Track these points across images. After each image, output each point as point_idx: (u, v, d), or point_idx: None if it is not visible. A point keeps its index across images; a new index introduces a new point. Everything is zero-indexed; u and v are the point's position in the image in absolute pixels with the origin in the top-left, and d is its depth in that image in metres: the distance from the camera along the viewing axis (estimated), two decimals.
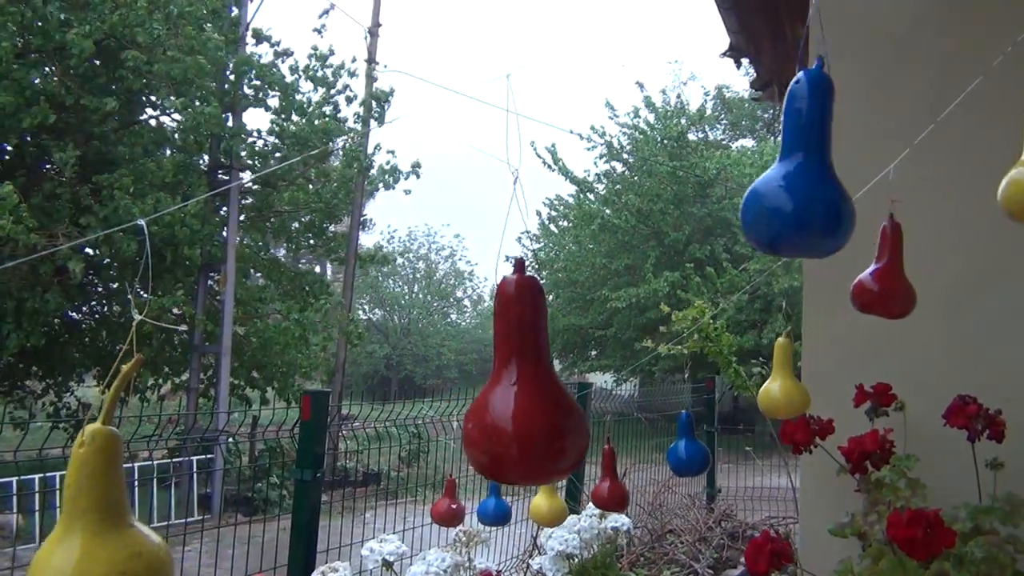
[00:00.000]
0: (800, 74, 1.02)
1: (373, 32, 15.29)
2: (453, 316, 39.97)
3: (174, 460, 11.51)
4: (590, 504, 3.30)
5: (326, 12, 13.37)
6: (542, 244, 23.34)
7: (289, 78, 12.51)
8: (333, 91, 12.93)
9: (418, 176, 13.79)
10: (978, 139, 1.90)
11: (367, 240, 23.66)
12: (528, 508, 2.54)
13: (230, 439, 12.30)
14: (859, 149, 2.10)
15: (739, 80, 28.99)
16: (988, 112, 1.77)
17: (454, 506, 2.56)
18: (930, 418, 1.94)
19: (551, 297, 22.32)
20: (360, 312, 33.17)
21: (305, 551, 2.93)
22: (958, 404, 1.81)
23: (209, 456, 11.41)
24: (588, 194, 20.98)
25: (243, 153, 12.12)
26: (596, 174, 21.26)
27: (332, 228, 14.17)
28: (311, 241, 14.29)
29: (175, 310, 11.44)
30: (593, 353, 23.07)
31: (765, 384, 1.68)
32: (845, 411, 2.04)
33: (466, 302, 41.94)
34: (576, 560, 3.07)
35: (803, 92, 1.02)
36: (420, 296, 37.91)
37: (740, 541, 5.21)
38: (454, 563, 2.35)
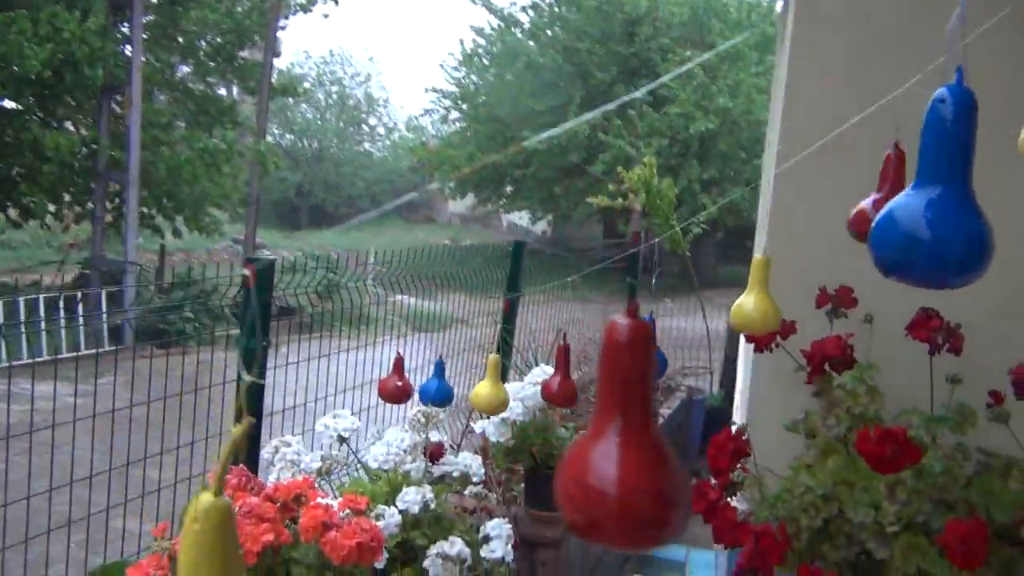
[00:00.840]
0: (943, 91, 0.94)
1: None
2: (367, 145, 39.00)
3: (82, 291, 11.20)
4: (534, 371, 3.36)
5: None
6: (463, 73, 22.66)
7: None
8: None
9: (336, 2, 13.03)
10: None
11: (279, 63, 22.46)
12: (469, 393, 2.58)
13: (139, 268, 12.00)
14: (867, 71, 2.04)
15: None
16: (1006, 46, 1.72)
17: (400, 383, 2.56)
18: (887, 327, 2.00)
19: (469, 134, 21.93)
20: (269, 137, 32.02)
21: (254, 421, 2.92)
22: (921, 317, 1.86)
23: (119, 287, 11.12)
24: (514, 28, 20.30)
25: None
26: (522, 7, 20.51)
27: (244, 53, 13.37)
28: (220, 65, 13.50)
29: (83, 131, 10.79)
30: (509, 190, 23.04)
31: (739, 300, 1.69)
32: (806, 313, 2.07)
33: (380, 129, 40.92)
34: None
35: (948, 112, 0.93)
36: (332, 123, 36.70)
37: (658, 392, 5.45)
38: (413, 443, 2.38)
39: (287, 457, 2.48)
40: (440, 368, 2.56)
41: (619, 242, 7.26)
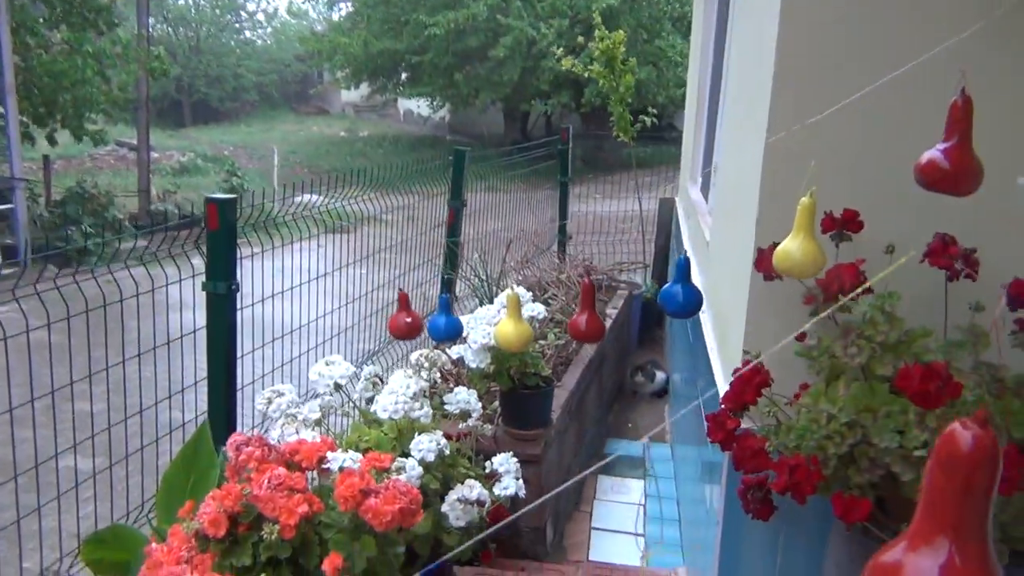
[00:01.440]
0: None
1: None
2: (248, 33, 36.89)
3: None
4: (498, 298, 3.32)
5: None
6: None
7: None
8: None
9: None
10: None
11: None
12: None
13: (27, 183, 11.22)
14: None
15: None
16: None
17: (409, 319, 2.49)
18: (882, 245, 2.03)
19: (359, 19, 20.94)
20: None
21: (225, 373, 2.80)
22: (939, 244, 1.89)
23: (7, 205, 10.39)
24: None
25: None
26: None
27: None
28: None
29: None
30: (404, 77, 22.32)
31: (783, 244, 1.67)
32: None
33: (260, 16, 38.74)
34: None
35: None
36: (208, 11, 34.45)
37: (603, 292, 5.51)
38: (420, 388, 2.33)
39: (283, 408, 2.41)
40: (446, 303, 2.49)
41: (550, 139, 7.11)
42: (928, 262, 1.89)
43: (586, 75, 6.31)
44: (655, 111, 6.30)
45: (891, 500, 1.88)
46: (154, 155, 16.81)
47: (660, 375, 5.32)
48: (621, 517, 3.68)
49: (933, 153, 1.49)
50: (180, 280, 2.85)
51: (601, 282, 5.53)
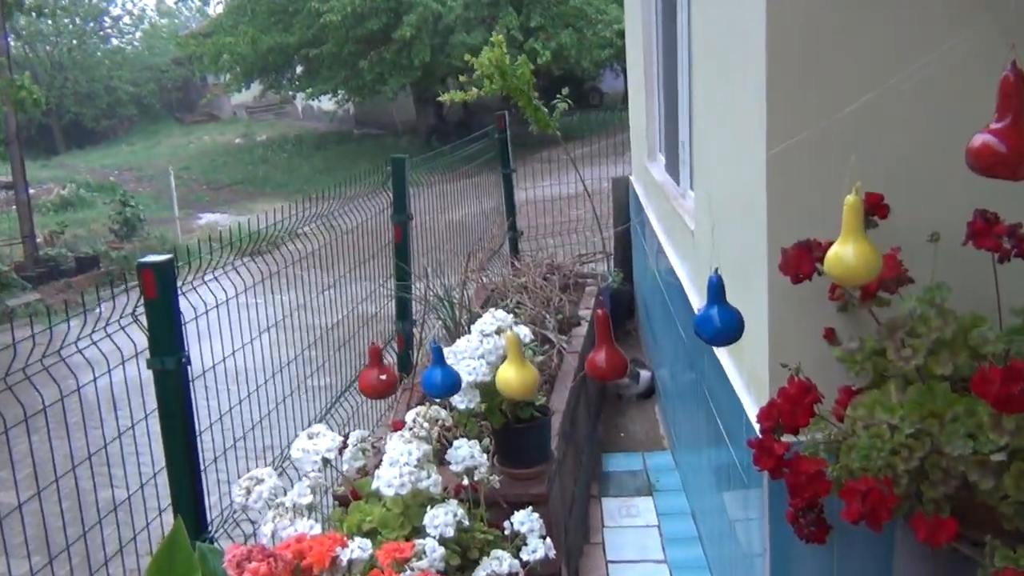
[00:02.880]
0: None
1: None
2: (115, 41, 35.85)
3: None
4: (484, 318, 3.23)
5: None
6: None
7: None
8: None
9: None
10: None
11: None
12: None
13: None
14: None
15: None
16: None
17: (383, 376, 2.40)
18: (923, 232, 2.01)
19: (240, 14, 20.46)
20: None
21: (186, 458, 2.66)
22: (982, 223, 1.87)
23: None
24: None
25: None
26: None
27: None
28: None
29: None
30: (300, 71, 21.91)
31: (834, 249, 1.62)
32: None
33: (126, 20, 37.66)
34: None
35: None
36: (67, 21, 33.30)
37: (571, 291, 5.45)
38: (423, 453, 2.23)
39: (266, 498, 2.29)
40: (438, 352, 2.40)
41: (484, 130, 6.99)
42: (973, 244, 1.87)
43: (473, 96, 6.10)
44: (567, 94, 6.17)
45: (969, 510, 1.86)
46: (30, 191, 16.21)
47: (644, 374, 5.30)
48: (637, 543, 3.65)
49: (986, 136, 1.45)
50: (123, 362, 2.69)
51: (567, 281, 5.47)
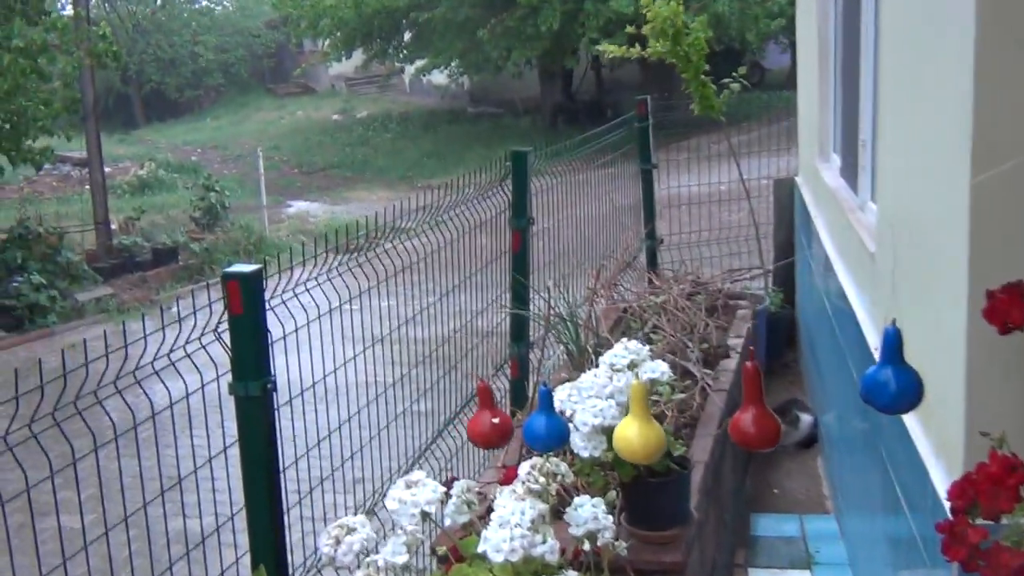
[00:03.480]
0: None
1: None
2: (204, 1, 37.20)
3: None
4: (614, 351, 3.23)
5: None
6: None
7: None
8: None
9: None
10: None
11: None
12: None
13: None
14: None
15: None
16: None
17: (497, 420, 2.42)
18: None
19: None
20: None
21: (268, 497, 2.75)
22: None
23: None
24: None
25: None
26: None
27: None
28: None
29: None
30: (407, 37, 22.36)
31: None
32: None
33: None
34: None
35: None
36: None
37: (719, 314, 5.39)
38: (537, 512, 2.25)
39: (356, 550, 2.34)
40: (546, 397, 2.41)
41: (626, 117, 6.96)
42: None
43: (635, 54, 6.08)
44: (744, 71, 6.10)
45: None
46: (106, 170, 17.02)
47: (805, 418, 5.21)
48: None
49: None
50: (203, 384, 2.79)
51: (715, 302, 5.41)
